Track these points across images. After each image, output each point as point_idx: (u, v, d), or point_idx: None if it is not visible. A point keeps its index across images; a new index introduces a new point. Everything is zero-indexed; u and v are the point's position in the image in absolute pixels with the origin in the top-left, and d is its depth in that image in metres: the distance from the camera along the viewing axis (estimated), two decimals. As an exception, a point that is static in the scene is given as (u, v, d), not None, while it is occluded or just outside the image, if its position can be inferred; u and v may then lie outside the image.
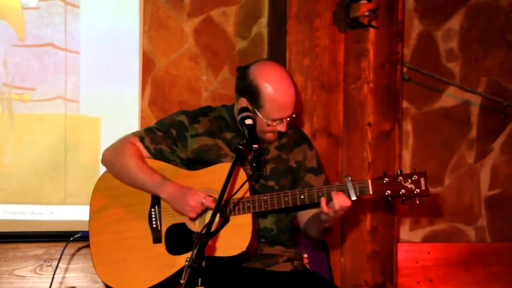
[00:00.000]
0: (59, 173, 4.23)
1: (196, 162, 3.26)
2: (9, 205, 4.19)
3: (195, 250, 2.52)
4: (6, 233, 4.21)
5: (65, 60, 4.24)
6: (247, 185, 3.09)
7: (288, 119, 3.22)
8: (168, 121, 3.34)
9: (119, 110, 4.31)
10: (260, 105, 3.16)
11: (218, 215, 3.05)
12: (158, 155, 3.27)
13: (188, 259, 2.50)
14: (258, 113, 3.17)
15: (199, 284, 2.52)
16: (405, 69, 4.63)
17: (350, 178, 3.06)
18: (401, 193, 3.04)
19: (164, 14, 4.48)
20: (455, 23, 4.90)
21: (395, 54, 4.38)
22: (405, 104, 4.78)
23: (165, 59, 4.50)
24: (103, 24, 4.29)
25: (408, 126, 4.84)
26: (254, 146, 3.01)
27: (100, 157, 3.35)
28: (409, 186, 3.04)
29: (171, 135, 3.29)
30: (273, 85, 3.17)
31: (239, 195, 3.08)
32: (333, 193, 3.04)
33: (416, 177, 3.06)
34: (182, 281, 2.48)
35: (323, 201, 3.06)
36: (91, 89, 4.27)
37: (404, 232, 4.81)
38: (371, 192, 3.06)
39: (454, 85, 4.87)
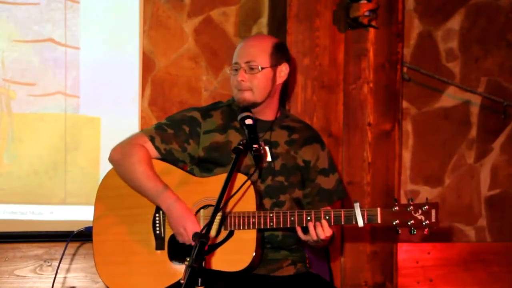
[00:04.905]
0: (59, 173, 4.23)
1: (206, 161, 3.23)
2: (9, 205, 4.19)
3: (195, 250, 2.52)
4: (6, 233, 4.21)
5: (65, 55, 4.24)
6: (252, 188, 3.07)
7: (244, 68, 3.19)
8: (179, 117, 3.28)
9: (119, 110, 4.31)
10: None
11: (222, 226, 3.09)
12: (168, 156, 3.23)
13: (188, 259, 2.50)
14: None
15: (199, 284, 2.52)
16: (405, 69, 4.63)
17: (359, 204, 3.00)
18: (409, 223, 2.98)
19: (164, 14, 4.48)
20: (455, 23, 4.90)
21: (395, 54, 4.39)
22: (405, 104, 4.78)
23: (165, 59, 4.50)
24: (103, 22, 4.29)
25: (408, 126, 4.84)
26: (254, 146, 3.00)
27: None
28: (419, 217, 2.97)
29: (183, 131, 3.24)
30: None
31: (245, 203, 3.05)
32: (309, 224, 3.01)
33: (427, 207, 2.98)
34: (182, 281, 2.47)
35: (298, 230, 3.04)
36: (91, 84, 4.27)
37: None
38: (379, 221, 3.00)
39: (454, 85, 4.87)
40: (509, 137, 4.98)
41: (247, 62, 3.19)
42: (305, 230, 3.06)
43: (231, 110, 3.29)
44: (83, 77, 4.27)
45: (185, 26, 4.52)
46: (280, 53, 3.26)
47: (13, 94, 4.18)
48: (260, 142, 3.18)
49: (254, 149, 3.00)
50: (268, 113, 3.28)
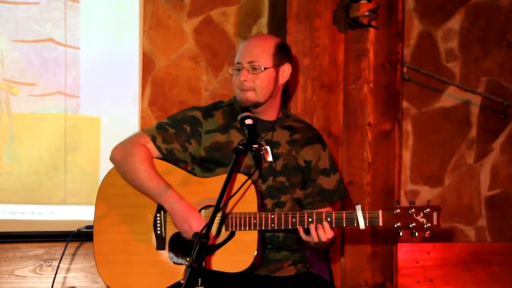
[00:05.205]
0: (59, 173, 4.23)
1: (208, 161, 3.23)
2: (9, 205, 4.19)
3: (195, 250, 2.51)
4: (6, 233, 4.21)
5: (65, 55, 4.24)
6: (253, 188, 3.07)
7: (247, 68, 3.18)
8: (181, 117, 3.28)
9: (119, 110, 4.31)
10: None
11: (223, 228, 3.09)
12: (169, 155, 3.22)
13: (188, 259, 2.50)
14: None
15: (199, 284, 2.52)
16: (405, 69, 4.63)
17: (360, 206, 3.00)
18: (411, 226, 2.97)
19: (164, 14, 4.48)
20: (455, 23, 4.90)
21: (395, 54, 4.39)
22: (405, 104, 4.78)
23: (165, 59, 4.50)
24: (103, 22, 4.29)
25: (408, 126, 4.84)
26: (254, 146, 3.00)
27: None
28: (421, 220, 2.96)
29: (184, 131, 3.23)
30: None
31: (246, 203, 3.04)
32: (311, 226, 3.01)
33: (429, 210, 2.97)
34: (182, 281, 2.47)
35: (300, 230, 3.04)
36: (91, 84, 4.27)
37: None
38: (380, 224, 3.00)
39: (454, 85, 4.87)
40: (509, 137, 4.98)
41: (249, 62, 3.19)
42: (307, 231, 3.06)
43: (233, 110, 3.28)
44: (83, 77, 4.27)
45: (185, 26, 4.52)
46: (283, 53, 3.26)
47: (16, 91, 4.18)
48: (262, 142, 3.19)
49: (254, 149, 2.99)
50: (270, 113, 3.28)
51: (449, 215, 4.87)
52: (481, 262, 4.77)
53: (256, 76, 3.18)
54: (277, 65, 3.23)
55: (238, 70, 3.21)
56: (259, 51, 3.21)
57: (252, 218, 3.05)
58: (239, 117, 3.15)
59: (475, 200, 4.95)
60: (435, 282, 4.72)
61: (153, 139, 3.22)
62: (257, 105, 3.21)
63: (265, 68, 3.18)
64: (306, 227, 3.04)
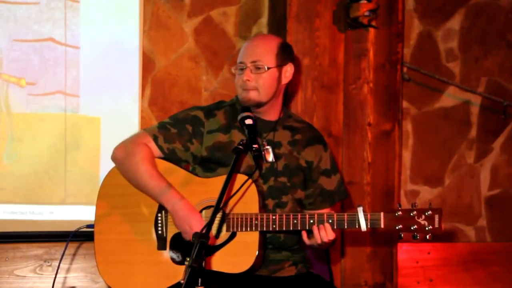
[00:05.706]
0: (59, 173, 4.23)
1: (209, 161, 3.22)
2: (9, 205, 4.19)
3: (195, 250, 2.51)
4: (6, 233, 4.21)
5: (65, 55, 4.24)
6: (255, 189, 3.07)
7: (250, 67, 3.17)
8: (183, 116, 3.27)
9: (119, 110, 4.31)
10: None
11: (224, 228, 3.09)
12: (171, 155, 3.22)
13: (188, 259, 2.50)
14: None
15: (199, 284, 2.52)
16: (405, 69, 4.63)
17: (362, 208, 3.01)
18: (412, 228, 2.98)
19: (164, 14, 4.48)
20: (455, 23, 4.90)
21: (395, 54, 4.39)
22: (405, 104, 4.78)
23: (165, 59, 4.50)
24: (103, 22, 4.29)
25: (408, 126, 4.84)
26: (254, 146, 2.99)
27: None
28: (422, 222, 2.97)
29: (186, 131, 3.23)
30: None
31: (248, 203, 3.04)
32: (314, 227, 3.02)
33: (431, 213, 2.98)
34: (182, 281, 2.47)
35: (303, 234, 3.05)
36: (91, 84, 4.27)
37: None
38: (382, 226, 3.00)
39: (454, 85, 4.87)
40: (509, 137, 4.98)
41: (253, 62, 3.18)
42: (310, 235, 3.06)
43: (235, 109, 3.28)
44: (83, 77, 4.27)
45: (185, 26, 4.52)
46: (286, 53, 3.26)
47: (23, 82, 4.18)
48: (263, 142, 3.19)
49: (254, 149, 2.99)
50: (271, 113, 3.27)
51: (449, 215, 4.87)
52: (481, 262, 4.78)
53: (259, 75, 3.18)
54: (280, 65, 3.23)
55: (241, 69, 3.20)
56: (263, 50, 3.20)
57: (254, 219, 3.04)
58: (239, 117, 3.15)
59: (475, 200, 4.95)
60: (435, 282, 4.72)
61: (155, 139, 3.22)
62: (259, 105, 3.21)
63: (268, 68, 3.18)
64: (308, 228, 3.04)
